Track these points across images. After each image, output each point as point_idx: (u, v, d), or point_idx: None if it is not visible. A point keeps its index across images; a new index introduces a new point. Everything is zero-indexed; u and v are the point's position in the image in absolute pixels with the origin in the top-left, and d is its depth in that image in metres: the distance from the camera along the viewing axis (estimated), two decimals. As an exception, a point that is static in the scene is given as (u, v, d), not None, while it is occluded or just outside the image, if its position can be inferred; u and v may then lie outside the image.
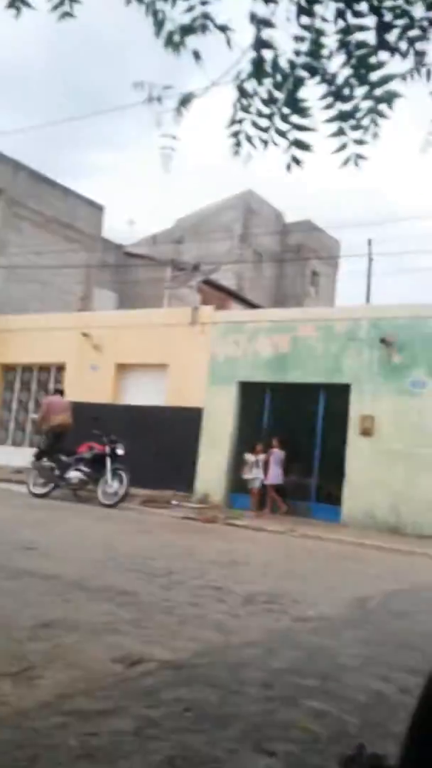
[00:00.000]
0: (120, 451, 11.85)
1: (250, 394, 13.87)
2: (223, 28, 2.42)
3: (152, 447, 13.82)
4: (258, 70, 2.37)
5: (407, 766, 0.96)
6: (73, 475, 12.04)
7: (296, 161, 2.51)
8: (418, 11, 2.63)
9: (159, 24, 2.47)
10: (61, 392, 13.68)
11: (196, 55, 2.53)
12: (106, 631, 3.54)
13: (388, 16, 2.52)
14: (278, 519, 11.82)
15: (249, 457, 13.07)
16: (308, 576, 6.41)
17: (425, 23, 2.63)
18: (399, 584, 6.38)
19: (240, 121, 2.52)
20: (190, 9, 2.44)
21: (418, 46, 2.65)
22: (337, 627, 4.32)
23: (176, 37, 2.46)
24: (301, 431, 13.35)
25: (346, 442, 12.51)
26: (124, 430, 12.84)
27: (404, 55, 2.62)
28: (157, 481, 13.41)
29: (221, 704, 2.64)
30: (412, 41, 2.61)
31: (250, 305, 21.22)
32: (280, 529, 10.39)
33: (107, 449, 11.87)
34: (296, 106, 2.44)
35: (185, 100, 2.49)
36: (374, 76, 2.51)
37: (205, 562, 6.38)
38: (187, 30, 2.45)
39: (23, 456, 14.32)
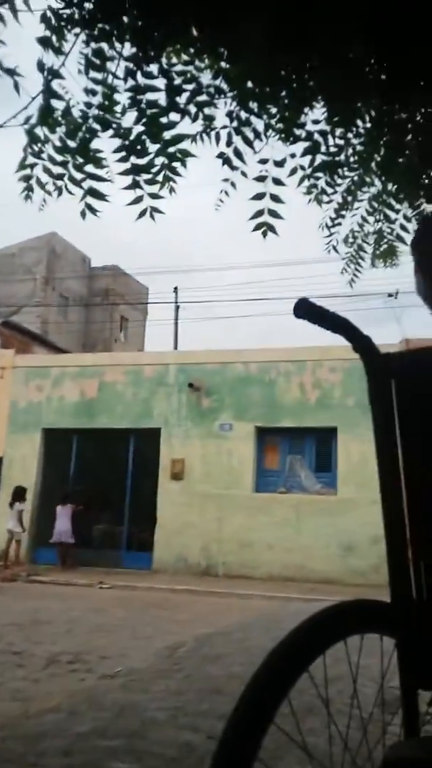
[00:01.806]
0: None
1: (56, 441, 13.44)
2: (10, 72, 2.36)
3: None
4: (46, 117, 2.35)
5: None
6: None
7: (91, 210, 2.51)
8: (206, 78, 2.80)
9: None
10: None
11: None
12: None
13: (177, 80, 2.65)
14: (86, 571, 11.43)
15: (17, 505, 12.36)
16: (117, 629, 6.24)
17: (212, 90, 2.81)
18: (211, 627, 6.43)
19: (32, 167, 2.46)
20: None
21: (207, 110, 2.82)
22: (147, 680, 4.22)
23: None
24: (111, 478, 13.17)
25: (157, 486, 12.58)
26: None
27: (193, 118, 2.77)
28: None
29: (15, 786, 2.42)
30: (200, 106, 2.77)
31: (56, 349, 20.74)
32: (88, 582, 10.05)
33: None
34: (90, 156, 2.45)
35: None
36: (166, 134, 2.61)
37: (3, 625, 5.93)
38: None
39: None
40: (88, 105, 2.49)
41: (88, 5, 2.49)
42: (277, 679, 1.04)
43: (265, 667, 1.04)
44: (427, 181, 3.22)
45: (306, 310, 1.18)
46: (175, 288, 25.01)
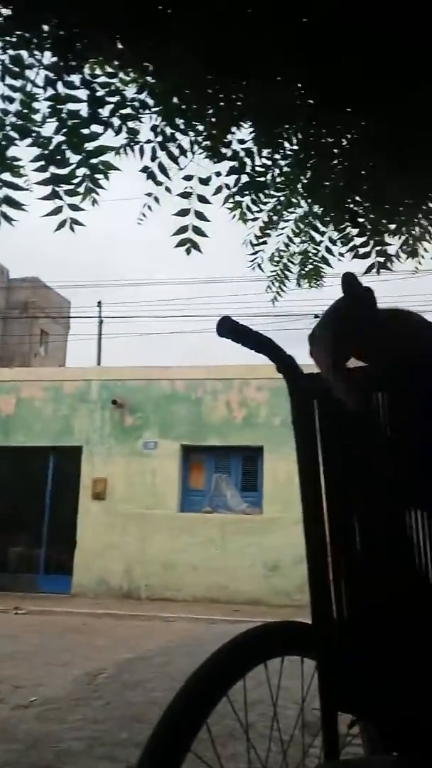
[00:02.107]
0: None
1: (-31, 460, 12.90)
2: None
3: None
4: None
5: None
6: None
7: (7, 219, 2.42)
8: (131, 92, 2.77)
9: None
10: None
11: None
12: None
13: (100, 92, 2.61)
14: (0, 596, 10.95)
15: None
16: (32, 656, 5.98)
17: (137, 104, 2.78)
18: (132, 652, 6.26)
19: None
20: None
21: (131, 124, 2.79)
22: (63, 709, 4.05)
23: None
24: (28, 498, 12.74)
25: (78, 507, 12.25)
26: None
27: (117, 131, 2.73)
28: None
29: None
30: (124, 119, 2.73)
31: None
32: (2, 608, 9.63)
33: None
34: (6, 163, 2.36)
35: None
36: (88, 146, 2.55)
37: None
38: None
39: None
40: (5, 112, 2.41)
41: (6, 11, 2.42)
42: (196, 705, 1.01)
43: (182, 693, 1.01)
44: (352, 205, 3.29)
45: (229, 328, 1.17)
46: (99, 302, 24.73)
